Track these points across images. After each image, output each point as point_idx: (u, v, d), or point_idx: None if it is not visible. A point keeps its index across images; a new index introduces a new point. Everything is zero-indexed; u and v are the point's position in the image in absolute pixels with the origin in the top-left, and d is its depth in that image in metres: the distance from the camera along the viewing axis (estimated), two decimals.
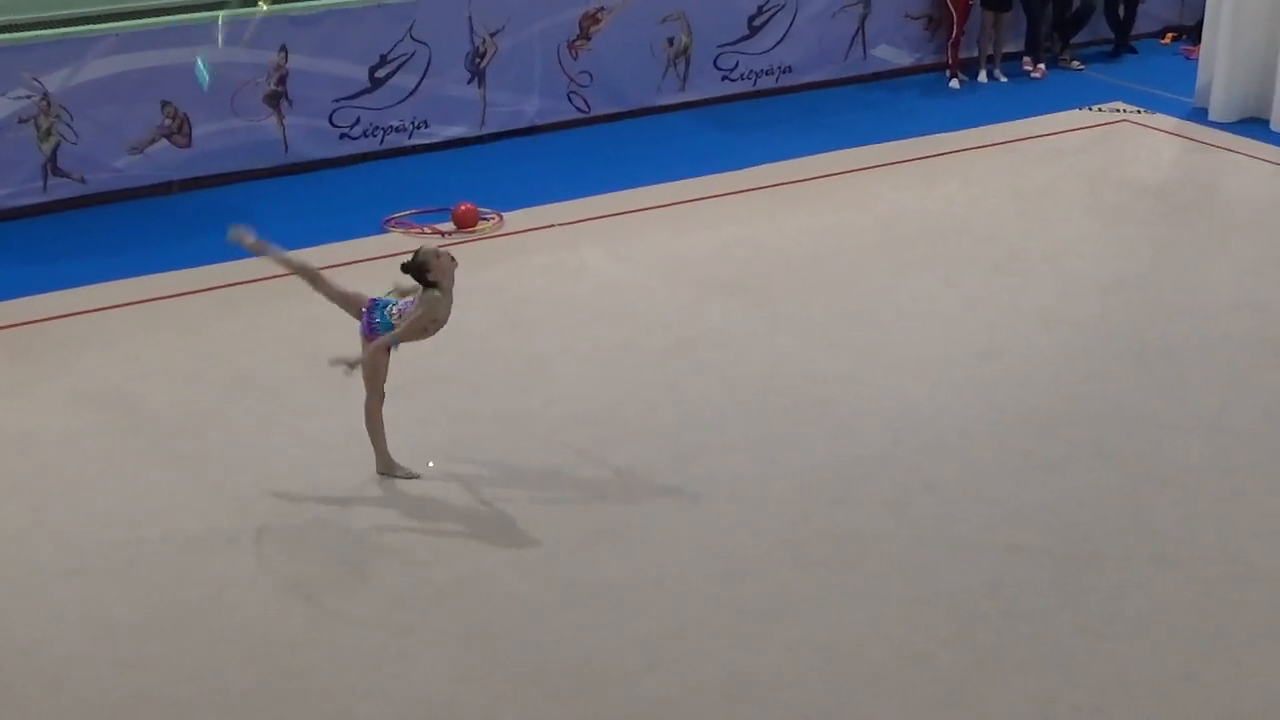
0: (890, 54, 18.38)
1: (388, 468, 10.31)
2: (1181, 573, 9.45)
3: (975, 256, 13.70)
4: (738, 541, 9.72)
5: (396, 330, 10.01)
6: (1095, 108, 17.45)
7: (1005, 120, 17.00)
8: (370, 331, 10.08)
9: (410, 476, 10.32)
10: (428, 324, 10.04)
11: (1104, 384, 11.62)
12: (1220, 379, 11.77)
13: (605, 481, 10.32)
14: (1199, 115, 17.32)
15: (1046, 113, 17.26)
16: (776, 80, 17.72)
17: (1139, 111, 17.34)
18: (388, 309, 10.09)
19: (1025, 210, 14.73)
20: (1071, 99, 17.69)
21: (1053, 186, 15.34)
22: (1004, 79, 18.44)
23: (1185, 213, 14.96)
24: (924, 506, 10.07)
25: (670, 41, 17.00)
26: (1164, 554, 9.62)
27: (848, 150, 16.04)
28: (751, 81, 17.57)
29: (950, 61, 18.32)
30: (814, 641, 8.81)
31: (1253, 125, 17.00)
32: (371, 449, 10.28)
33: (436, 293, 9.97)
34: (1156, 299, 13.13)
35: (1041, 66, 18.68)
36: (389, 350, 10.11)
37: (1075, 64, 18.98)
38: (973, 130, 16.69)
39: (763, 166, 15.56)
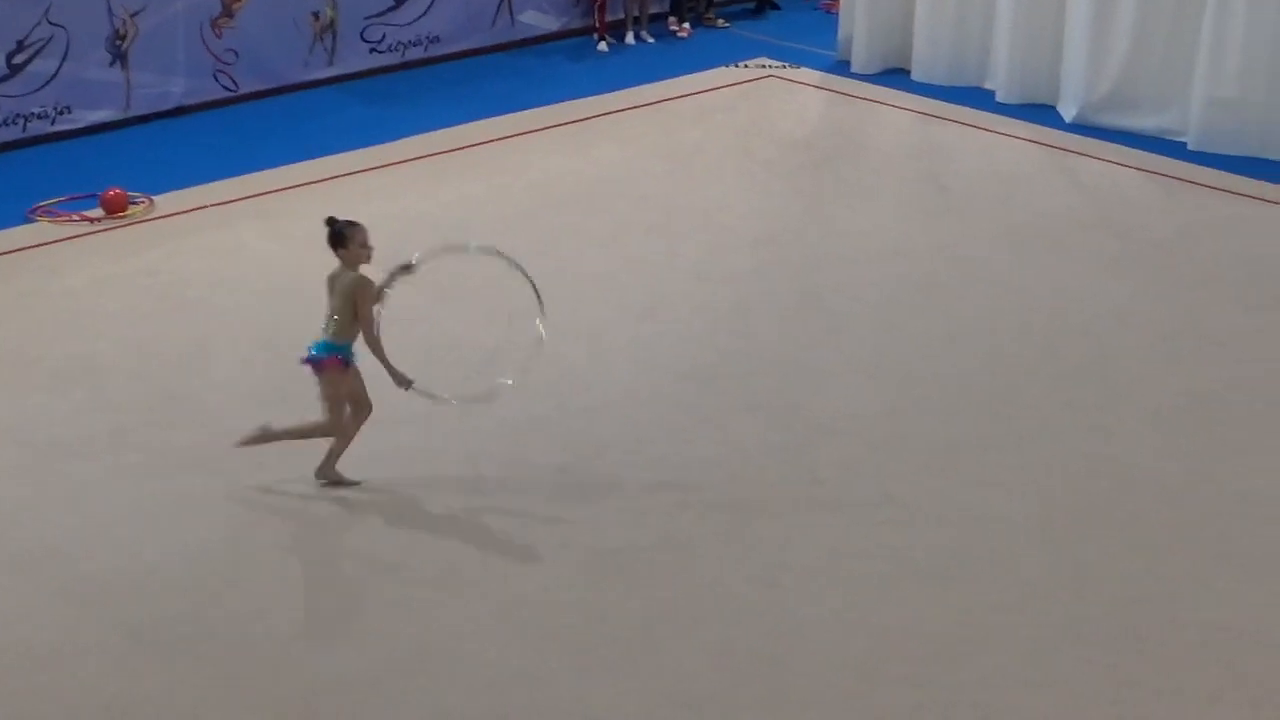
0: (537, 19, 18.44)
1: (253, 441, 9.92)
2: (846, 517, 9.71)
3: (629, 218, 13.85)
4: (403, 513, 9.71)
5: (345, 336, 9.59)
6: (741, 65, 17.75)
7: (654, 81, 17.19)
8: (316, 360, 9.64)
9: (351, 483, 9.92)
10: (376, 306, 9.54)
11: (762, 336, 11.86)
12: (873, 325, 12.10)
13: (273, 460, 10.19)
14: (842, 68, 17.74)
15: (694, 72, 17.49)
16: (425, 50, 17.64)
17: (784, 66, 17.69)
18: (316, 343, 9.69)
19: (677, 169, 14.93)
20: (718, 57, 17.96)
21: (703, 144, 15.58)
22: (651, 40, 18.63)
23: (832, 164, 15.32)
24: (593, 468, 10.16)
25: (316, 16, 16.81)
26: (828, 500, 9.87)
27: (499, 118, 16.05)
28: (400, 53, 17.47)
29: (597, 25, 18.45)
30: (492, 605, 8.85)
31: (894, 76, 17.45)
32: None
33: (353, 273, 9.57)
34: (808, 249, 13.44)
35: (687, 26, 18.94)
36: (347, 366, 9.67)
37: (720, 22, 19.28)
38: (622, 92, 16.83)
39: (415, 138, 15.50)
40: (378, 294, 9.58)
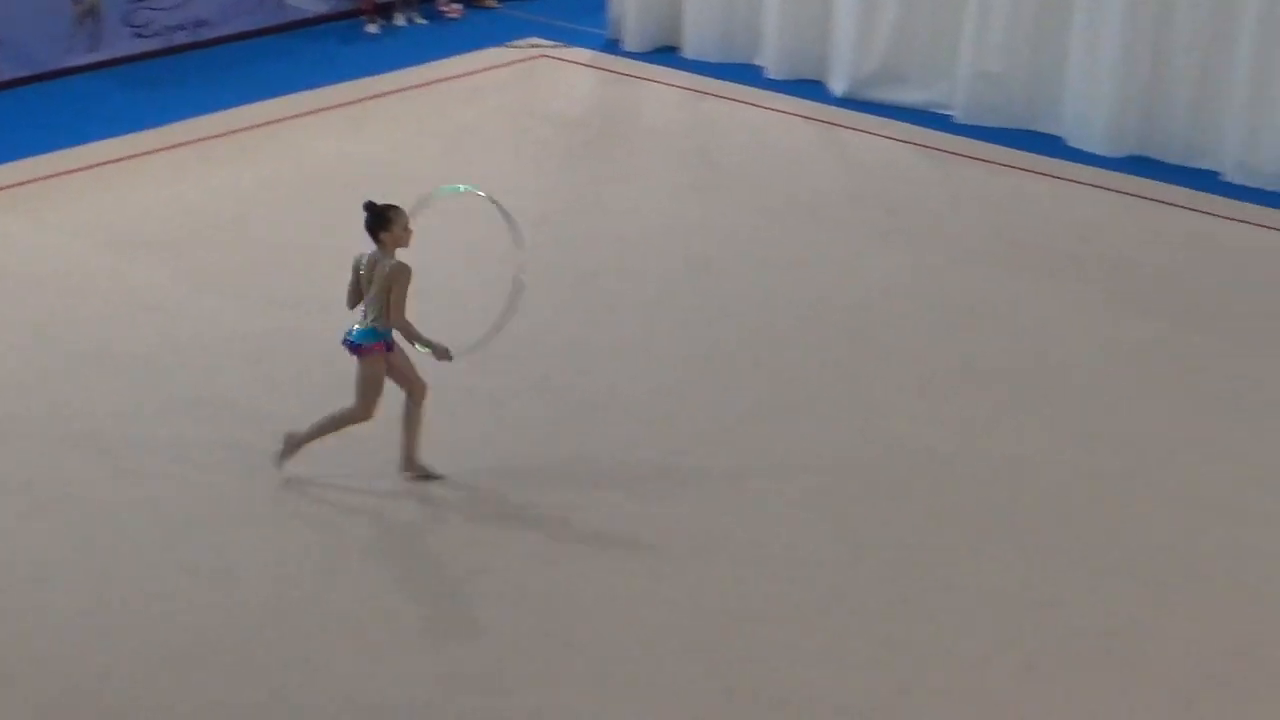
0: (306, 1, 18.21)
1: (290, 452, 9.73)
2: (622, 493, 9.74)
3: (404, 200, 13.70)
4: (180, 502, 9.58)
5: (386, 322, 9.41)
6: (513, 45, 17.70)
7: (425, 62, 17.08)
8: (356, 346, 9.46)
9: (433, 477, 9.76)
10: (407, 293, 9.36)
11: (539, 316, 11.81)
12: (648, 303, 12.15)
13: (39, 453, 9.98)
14: (613, 47, 17.77)
15: (465, 52, 17.41)
16: (191, 35, 17.34)
17: (556, 46, 17.67)
18: (353, 328, 9.48)
19: (451, 151, 14.85)
20: (489, 37, 17.90)
21: (476, 125, 15.52)
22: (422, 21, 18.50)
23: (604, 143, 15.36)
24: (374, 446, 10.06)
25: (77, 0, 16.45)
26: (605, 477, 9.90)
27: (269, 102, 15.84)
28: (166, 38, 17.15)
29: (366, 7, 18.29)
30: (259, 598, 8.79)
31: (665, 54, 17.52)
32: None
33: (392, 260, 9.40)
34: (583, 229, 13.46)
35: (458, 6, 18.83)
36: (390, 351, 9.50)
37: (491, 2, 19.20)
38: (394, 74, 16.70)
39: (183, 123, 15.24)
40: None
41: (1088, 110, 15.42)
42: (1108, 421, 10.66)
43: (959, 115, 15.96)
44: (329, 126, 15.32)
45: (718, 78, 16.91)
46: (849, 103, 16.31)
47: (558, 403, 10.76)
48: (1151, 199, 14.36)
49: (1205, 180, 14.77)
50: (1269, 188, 14.54)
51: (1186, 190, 14.51)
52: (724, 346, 11.49)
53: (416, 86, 16.43)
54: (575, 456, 10.15)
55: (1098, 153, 15.25)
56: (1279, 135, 14.56)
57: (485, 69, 16.99)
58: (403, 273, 9.41)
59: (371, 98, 16.05)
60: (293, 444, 9.70)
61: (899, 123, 15.86)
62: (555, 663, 8.30)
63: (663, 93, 16.64)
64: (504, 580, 8.93)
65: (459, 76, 16.75)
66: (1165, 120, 15.25)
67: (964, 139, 15.50)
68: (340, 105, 15.82)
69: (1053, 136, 15.61)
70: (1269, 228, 13.84)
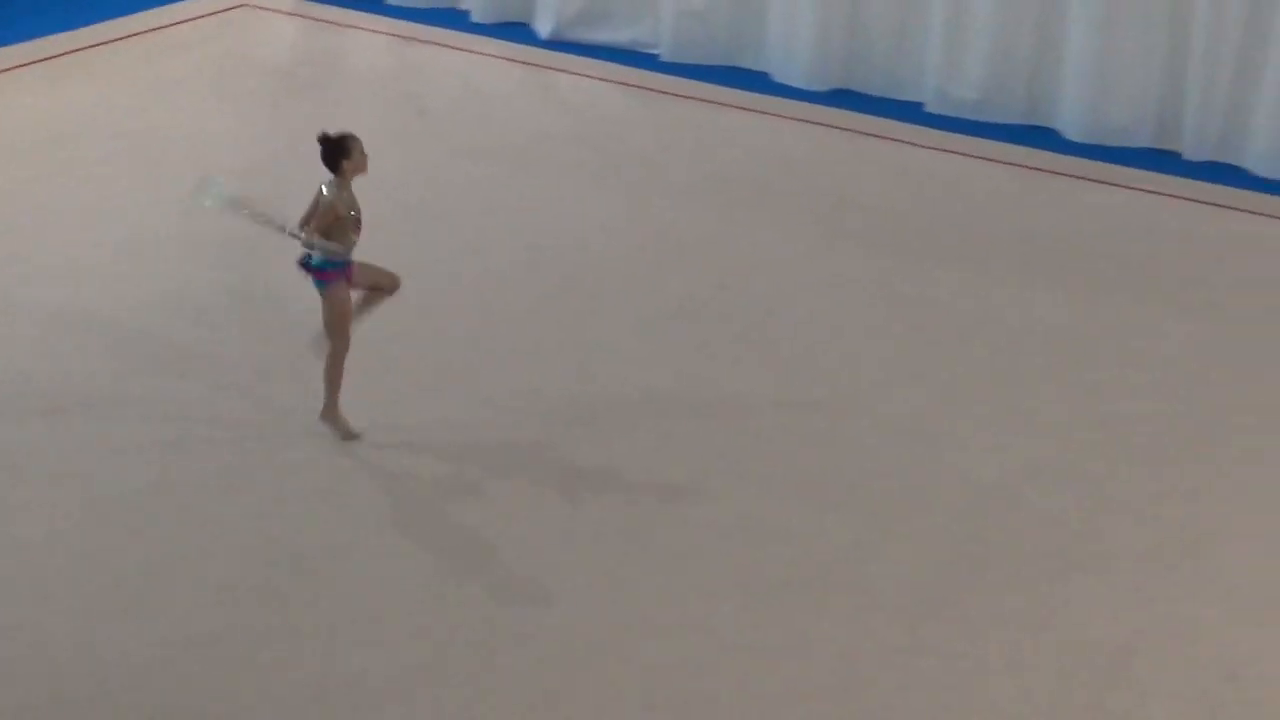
0: None
1: (333, 419, 9.65)
2: (332, 440, 9.72)
3: (110, 155, 13.47)
4: None
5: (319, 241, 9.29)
6: None
7: (127, 14, 16.65)
8: (320, 272, 9.36)
9: (350, 436, 9.62)
10: (344, 213, 9.28)
11: (249, 270, 11.66)
12: (359, 251, 12.01)
13: None
14: None
15: (167, 4, 17.02)
16: None
17: None
18: (311, 254, 9.35)
19: (158, 103, 14.57)
20: None
21: (182, 78, 15.23)
22: None
23: (312, 91, 15.18)
24: (77, 414, 9.90)
25: None
26: (316, 431, 9.84)
27: None
28: None
29: None
30: None
31: (369, 0, 17.34)
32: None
33: (337, 193, 9.35)
34: (293, 178, 13.18)
35: None
36: (343, 280, 9.39)
37: None
38: (94, 27, 16.25)
39: None
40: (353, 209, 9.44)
41: (791, 45, 15.66)
42: (826, 355, 10.89)
43: (665, 53, 16.09)
44: (26, 83, 14.88)
45: (423, 23, 16.80)
46: (556, 44, 16.33)
47: (269, 347, 10.65)
48: (858, 131, 14.66)
49: (909, 111, 15.13)
50: (969, 116, 14.95)
51: (891, 121, 14.84)
52: (438, 292, 11.46)
53: (118, 39, 16.04)
54: (288, 410, 10.05)
55: (803, 87, 15.50)
56: (977, 64, 14.97)
57: (188, 19, 16.64)
58: (331, 208, 9.35)
59: (70, 52, 15.62)
60: (331, 415, 9.64)
61: (606, 63, 15.94)
62: None
63: (368, 39, 16.50)
64: (217, 539, 8.86)
65: (162, 28, 16.37)
66: (867, 53, 15.56)
67: (671, 77, 15.64)
68: (37, 61, 15.36)
69: (759, 72, 15.82)
70: (972, 156, 14.23)
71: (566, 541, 8.91)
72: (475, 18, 16.95)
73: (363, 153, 9.55)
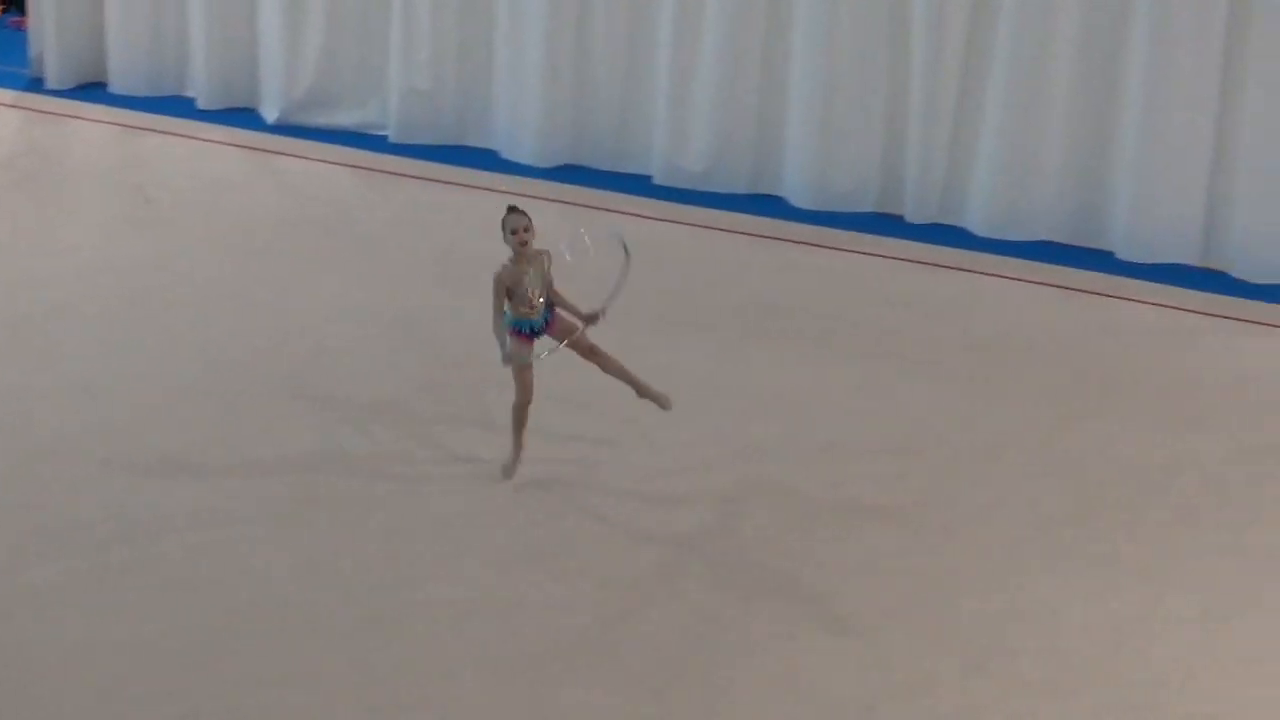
0: None
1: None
2: (81, 537, 9.48)
3: None
4: None
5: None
6: None
7: None
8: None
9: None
10: (498, 299, 9.93)
11: None
12: (90, 342, 11.86)
13: None
14: (37, 85, 17.26)
15: None
16: None
17: None
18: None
19: None
20: None
21: None
22: None
23: (33, 182, 14.91)
24: None
25: None
26: (53, 521, 9.61)
27: None
28: None
29: None
30: None
31: (92, 90, 17.12)
32: None
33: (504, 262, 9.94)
34: (15, 269, 13.04)
35: None
36: (524, 338, 10.06)
37: None
38: None
39: None
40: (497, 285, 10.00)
41: (518, 122, 15.76)
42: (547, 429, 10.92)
43: (393, 134, 16.09)
44: None
45: (148, 111, 16.62)
46: (284, 129, 16.25)
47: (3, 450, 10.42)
48: (586, 205, 14.79)
49: (637, 184, 15.32)
50: (697, 187, 15.17)
51: (619, 195, 15.01)
52: (173, 381, 11.29)
53: None
54: (23, 504, 9.82)
55: (531, 164, 15.62)
56: (703, 136, 15.20)
57: None
58: (494, 279, 9.99)
59: None
60: (510, 466, 10.20)
61: (335, 146, 15.89)
62: None
63: (92, 130, 16.27)
64: None
65: None
66: (594, 129, 15.72)
67: (400, 158, 15.65)
68: None
69: (487, 150, 15.91)
70: (700, 226, 14.44)
71: (314, 622, 8.80)
72: (201, 104, 16.80)
73: (510, 231, 10.03)
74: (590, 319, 10.13)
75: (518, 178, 15.29)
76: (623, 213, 14.59)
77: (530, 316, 10.07)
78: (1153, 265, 14.04)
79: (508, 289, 9.98)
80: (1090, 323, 13.05)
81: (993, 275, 13.84)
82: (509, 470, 10.22)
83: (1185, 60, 13.80)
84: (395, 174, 15.36)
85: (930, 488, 10.38)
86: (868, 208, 15.02)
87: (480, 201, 14.76)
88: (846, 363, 12.02)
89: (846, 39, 14.73)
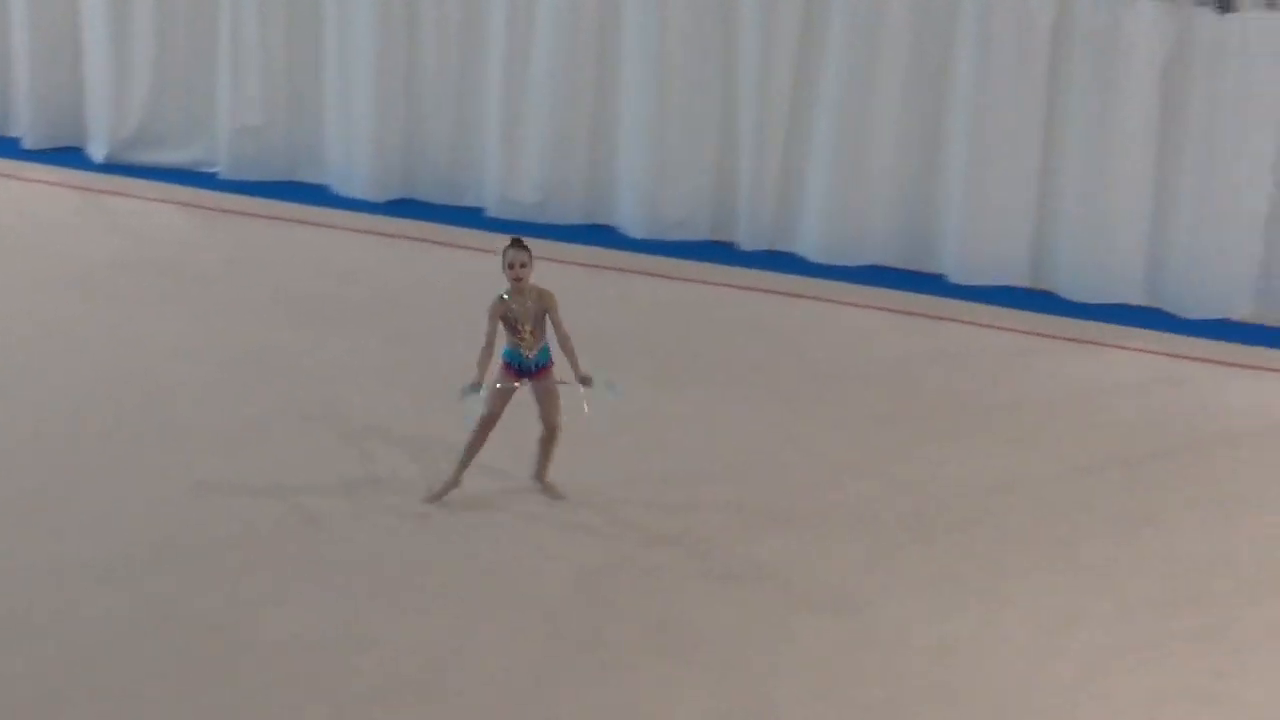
0: None
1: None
2: None
3: None
4: None
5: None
6: None
7: None
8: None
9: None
10: (489, 327, 10.06)
11: None
12: None
13: None
14: None
15: None
16: None
17: None
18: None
19: None
20: None
21: None
22: None
23: None
24: None
25: None
26: None
27: None
28: None
29: None
30: None
31: None
32: None
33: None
34: None
35: None
36: (515, 374, 10.25)
37: None
38: None
39: None
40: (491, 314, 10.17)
41: (350, 157, 15.76)
42: (397, 458, 10.88)
43: (224, 171, 16.01)
44: None
45: None
46: (112, 168, 16.08)
47: None
48: (420, 239, 14.79)
49: (471, 217, 15.35)
50: (531, 219, 15.21)
51: (453, 228, 15.03)
52: (9, 424, 11.13)
53: None
54: None
55: (364, 198, 15.61)
56: (535, 167, 15.28)
57: None
58: (488, 309, 10.20)
59: None
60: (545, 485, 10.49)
61: (165, 184, 15.76)
62: None
63: None
64: None
65: None
66: (426, 162, 15.75)
67: (231, 195, 15.56)
68: None
69: (319, 185, 15.87)
70: (536, 257, 14.41)
71: (158, 666, 8.69)
72: (26, 144, 16.61)
73: (506, 265, 10.16)
74: (583, 380, 10.22)
75: (351, 213, 15.28)
76: (457, 245, 14.63)
77: (519, 347, 10.20)
78: (983, 287, 14.31)
79: (501, 319, 10.14)
80: (924, 345, 13.27)
81: (827, 300, 14.02)
82: (436, 496, 10.31)
83: (1009, 87, 14.10)
84: (227, 211, 15.27)
85: (770, 514, 10.47)
86: (702, 236, 15.16)
87: (314, 237, 14.74)
88: (685, 390, 12.11)
89: (676, 72, 14.91)
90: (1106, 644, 9.17)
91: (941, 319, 13.75)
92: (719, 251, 14.94)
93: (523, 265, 10.13)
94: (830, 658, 8.99)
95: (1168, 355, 13.19)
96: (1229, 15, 13.64)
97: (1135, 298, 14.18)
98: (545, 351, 10.27)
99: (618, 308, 13.59)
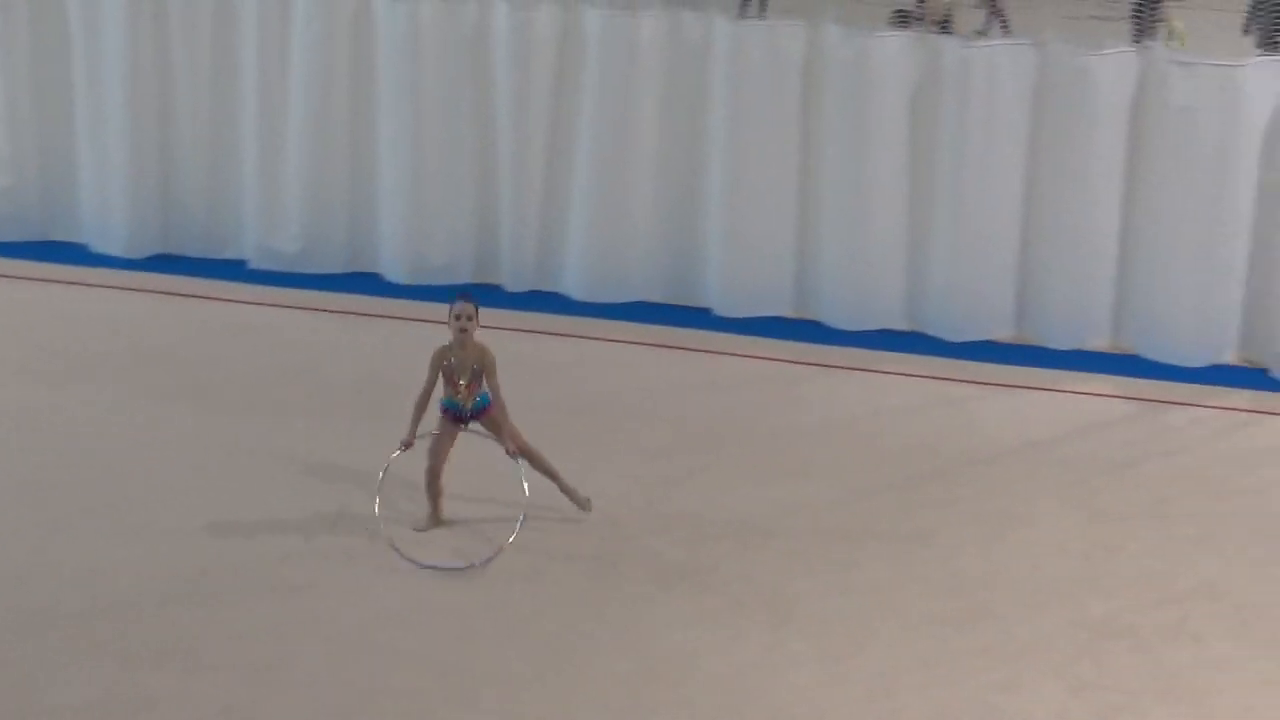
0: None
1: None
2: None
3: None
4: None
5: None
6: None
7: None
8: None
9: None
10: (430, 375, 10.32)
11: None
12: None
13: None
14: None
15: None
16: None
17: None
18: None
19: None
20: None
21: None
22: None
23: None
24: None
25: None
26: None
27: None
28: None
29: None
30: None
31: None
32: None
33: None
34: None
35: None
36: (454, 420, 10.46)
37: None
38: None
39: None
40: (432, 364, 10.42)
41: (106, 214, 15.49)
42: (177, 514, 10.65)
43: None
44: None
45: None
46: None
47: None
48: (180, 294, 14.56)
49: (232, 269, 15.17)
50: (292, 269, 15.08)
51: (213, 281, 14.84)
52: None
53: None
54: None
55: (123, 255, 15.35)
56: (295, 218, 15.16)
57: None
58: (431, 356, 10.44)
59: None
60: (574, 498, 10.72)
61: None
62: None
63: None
64: None
65: None
66: (184, 216, 15.56)
67: None
68: None
69: (77, 244, 15.57)
70: (296, 307, 14.36)
71: None
72: None
73: (453, 316, 10.32)
74: (510, 452, 10.34)
75: (108, 270, 14.99)
76: (217, 299, 14.41)
77: (455, 398, 10.35)
78: (749, 319, 14.46)
79: (442, 369, 10.30)
80: (692, 378, 13.36)
81: (594, 338, 14.08)
82: (423, 525, 10.48)
83: (764, 121, 14.29)
84: None
85: (550, 551, 10.43)
86: (465, 278, 15.13)
87: (73, 296, 14.42)
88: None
89: (433, 116, 14.92)
90: (893, 663, 9.28)
91: (709, 352, 13.86)
92: (484, 293, 14.87)
93: (469, 318, 10.27)
94: (620, 693, 8.97)
95: (933, 378, 13.43)
96: (897, 35, 14.25)
97: (898, 323, 14.43)
98: (484, 397, 10.45)
99: (383, 355, 13.48)
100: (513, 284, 15.06)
